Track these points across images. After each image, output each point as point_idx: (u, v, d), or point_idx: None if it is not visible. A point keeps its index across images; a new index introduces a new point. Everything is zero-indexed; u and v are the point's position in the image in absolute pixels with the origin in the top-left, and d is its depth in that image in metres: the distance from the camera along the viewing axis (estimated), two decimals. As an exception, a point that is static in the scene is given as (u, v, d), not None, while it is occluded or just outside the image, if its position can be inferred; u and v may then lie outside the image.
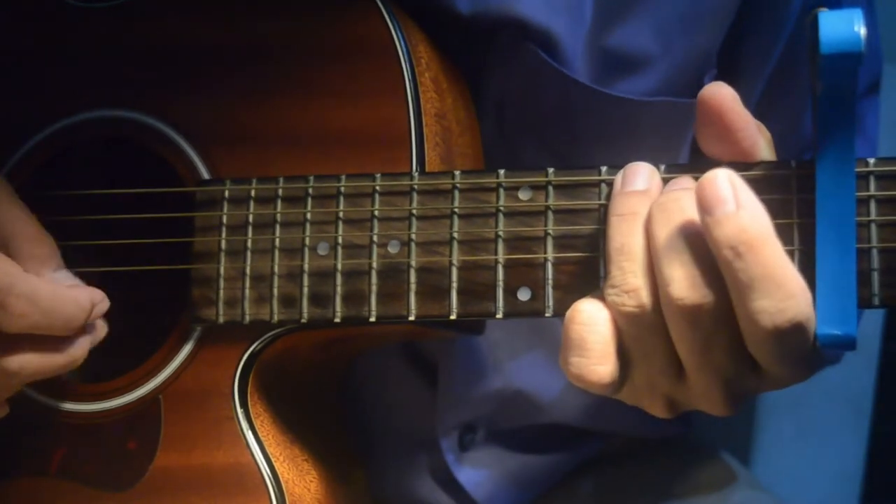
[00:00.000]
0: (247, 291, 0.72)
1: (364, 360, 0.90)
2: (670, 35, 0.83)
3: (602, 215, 0.66)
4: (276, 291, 0.71)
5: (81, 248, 0.77)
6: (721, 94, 0.61)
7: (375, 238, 0.70)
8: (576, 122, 0.83)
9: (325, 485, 0.77)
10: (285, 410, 0.76)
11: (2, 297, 0.65)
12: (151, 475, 0.74)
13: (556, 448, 0.99)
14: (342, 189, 0.71)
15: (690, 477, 1.02)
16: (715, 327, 0.60)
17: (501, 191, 0.68)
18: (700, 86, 0.84)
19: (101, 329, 0.72)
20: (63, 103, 0.78)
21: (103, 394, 0.75)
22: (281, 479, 0.72)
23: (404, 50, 0.73)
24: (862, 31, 0.56)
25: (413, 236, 0.69)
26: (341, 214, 0.71)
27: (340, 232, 0.70)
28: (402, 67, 0.72)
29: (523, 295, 0.67)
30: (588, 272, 0.66)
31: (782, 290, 0.57)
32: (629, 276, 0.61)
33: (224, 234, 0.73)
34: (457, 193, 0.69)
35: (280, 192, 0.72)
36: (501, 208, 0.68)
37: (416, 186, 0.69)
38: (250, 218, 0.72)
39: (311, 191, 0.71)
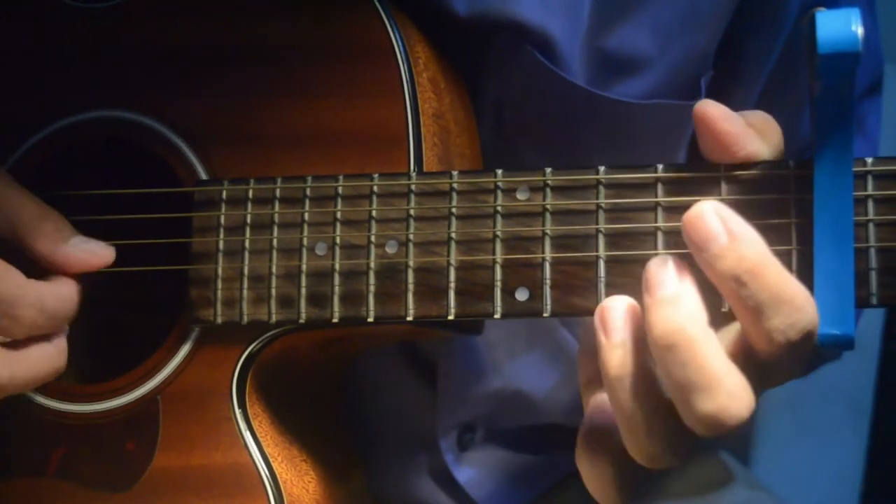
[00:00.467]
0: (245, 292, 0.72)
1: (363, 361, 0.90)
2: (668, 37, 0.83)
3: (600, 215, 0.66)
4: (273, 292, 0.71)
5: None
6: (709, 114, 0.62)
7: (373, 238, 0.70)
8: (573, 123, 0.83)
9: (324, 485, 0.77)
10: (284, 411, 0.76)
11: (12, 310, 0.66)
12: (150, 476, 0.74)
13: (554, 448, 0.99)
14: (340, 189, 0.71)
15: (689, 476, 1.02)
16: None
17: (499, 191, 0.68)
18: (697, 87, 0.85)
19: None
20: (61, 104, 0.78)
21: (102, 394, 0.75)
22: (279, 479, 0.72)
23: (402, 50, 0.73)
24: (859, 30, 0.56)
25: (411, 237, 0.69)
26: (339, 215, 0.71)
27: (338, 232, 0.70)
28: (399, 67, 0.72)
29: (521, 295, 0.67)
30: (586, 272, 0.66)
31: (790, 305, 0.57)
32: (649, 444, 0.61)
33: (222, 235, 0.73)
34: (454, 194, 0.69)
35: (278, 192, 0.72)
36: (499, 208, 0.68)
37: (413, 187, 0.69)
38: (248, 218, 0.72)
39: (308, 191, 0.71)
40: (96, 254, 0.73)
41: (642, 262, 0.65)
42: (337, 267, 0.70)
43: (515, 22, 0.78)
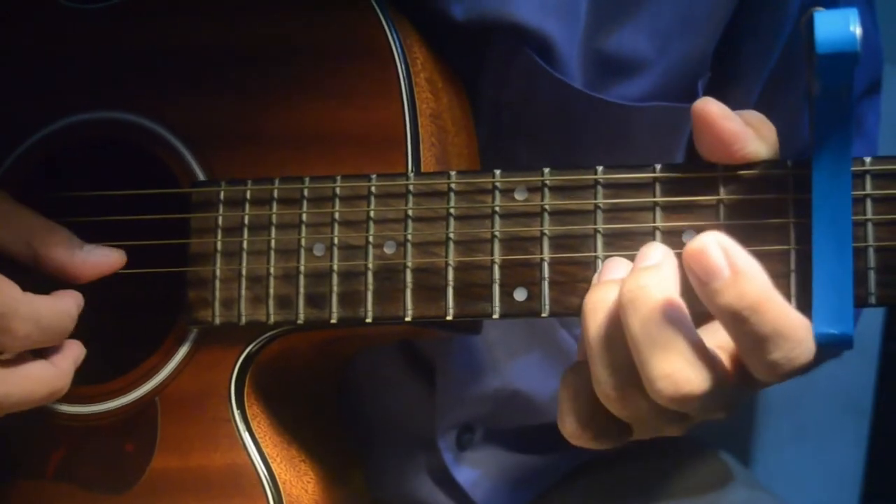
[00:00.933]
0: (243, 292, 0.72)
1: (361, 361, 0.90)
2: (666, 39, 0.83)
3: (598, 215, 0.66)
4: (272, 292, 0.71)
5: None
6: (709, 112, 0.62)
7: (371, 239, 0.70)
8: (571, 125, 0.83)
9: (323, 485, 0.77)
10: (282, 411, 0.76)
11: (6, 322, 0.66)
12: (149, 477, 0.74)
13: (553, 448, 0.99)
14: (338, 190, 0.71)
15: (688, 477, 1.02)
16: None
17: (497, 191, 0.68)
18: (695, 89, 0.85)
19: (80, 350, 0.73)
20: (59, 105, 0.78)
21: (100, 396, 0.75)
22: (278, 479, 0.72)
23: (399, 50, 0.73)
24: (857, 30, 0.56)
25: (409, 237, 0.69)
26: (337, 216, 0.70)
27: (336, 233, 0.70)
28: (397, 68, 0.72)
29: (520, 295, 0.67)
30: (584, 272, 0.66)
31: (791, 340, 0.57)
32: (627, 411, 0.61)
33: (220, 236, 0.73)
34: (452, 194, 0.69)
35: (276, 193, 0.72)
36: (497, 209, 0.68)
37: (411, 187, 0.69)
38: (246, 219, 0.72)
39: (306, 192, 0.71)
40: (109, 257, 0.74)
41: (641, 261, 0.65)
42: (335, 268, 0.70)
43: (513, 24, 0.78)
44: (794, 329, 0.57)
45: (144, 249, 0.74)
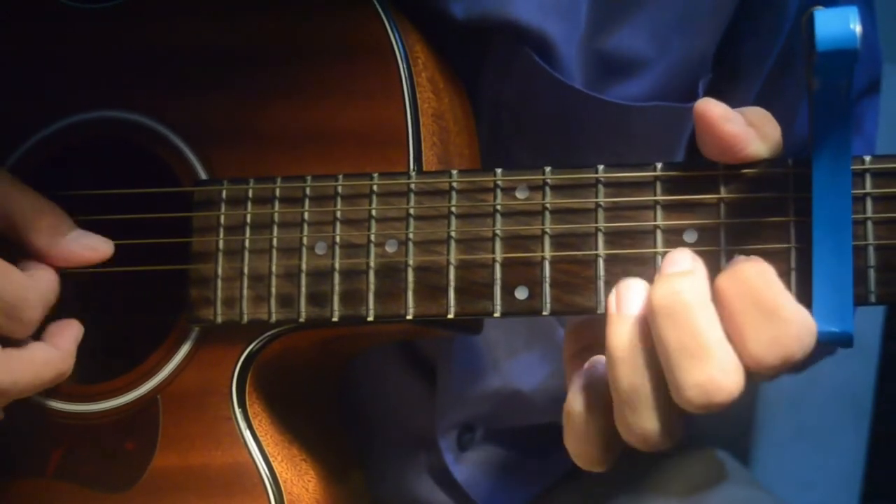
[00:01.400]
0: (245, 291, 0.72)
1: (362, 360, 0.90)
2: (666, 39, 0.83)
3: (599, 214, 0.66)
4: (273, 291, 0.71)
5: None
6: (711, 113, 0.62)
7: (373, 238, 0.70)
8: (570, 125, 0.83)
9: (324, 484, 0.77)
10: (283, 410, 0.76)
11: (18, 312, 0.66)
12: (150, 476, 0.74)
13: (553, 448, 0.99)
14: (340, 189, 0.71)
15: (687, 476, 1.02)
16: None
17: (499, 190, 0.68)
18: (695, 90, 0.85)
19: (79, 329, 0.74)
20: (61, 104, 0.78)
21: (101, 394, 0.75)
22: (279, 478, 0.72)
23: (401, 50, 0.73)
24: (857, 28, 0.56)
25: (411, 236, 0.69)
26: (339, 214, 0.71)
27: (338, 232, 0.70)
28: (399, 67, 0.72)
29: (521, 294, 0.67)
30: (585, 271, 0.66)
31: (783, 321, 0.58)
32: (643, 421, 0.60)
33: (222, 235, 0.73)
34: (454, 193, 0.69)
35: (277, 192, 0.72)
36: (499, 207, 0.68)
37: (413, 186, 0.70)
38: (248, 218, 0.72)
39: (308, 191, 0.71)
40: (95, 248, 0.73)
41: (641, 260, 0.65)
42: (337, 266, 0.70)
43: (513, 24, 0.78)
44: (777, 309, 0.58)
45: (146, 248, 0.74)
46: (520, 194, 0.68)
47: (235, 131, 0.75)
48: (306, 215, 0.71)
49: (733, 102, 0.63)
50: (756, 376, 0.60)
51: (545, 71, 0.79)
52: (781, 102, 0.88)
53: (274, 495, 0.71)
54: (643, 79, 0.84)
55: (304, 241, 0.71)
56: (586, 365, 0.65)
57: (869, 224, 0.62)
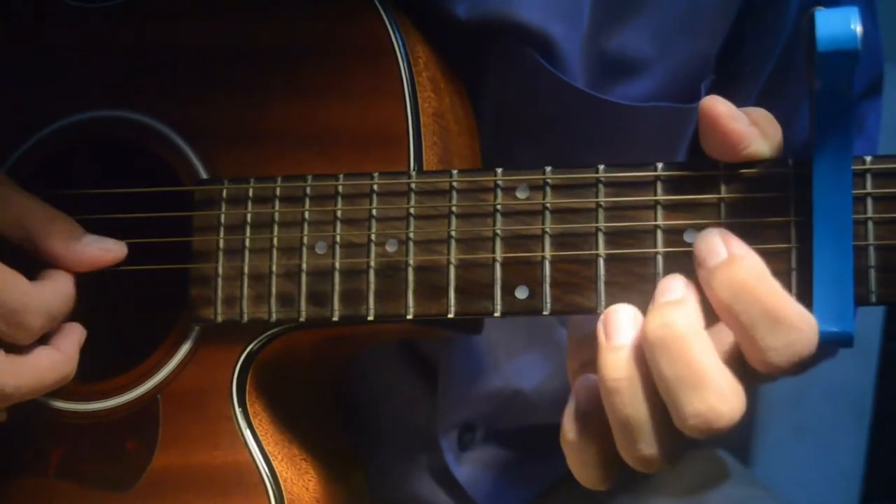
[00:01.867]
0: (245, 290, 0.72)
1: (363, 360, 0.90)
2: (668, 40, 0.83)
3: (599, 214, 0.66)
4: (274, 290, 0.71)
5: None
6: (717, 111, 0.62)
7: (373, 237, 0.70)
8: (572, 125, 0.83)
9: (324, 484, 0.77)
10: (284, 410, 0.76)
11: (21, 318, 0.66)
12: (150, 475, 0.74)
13: (554, 448, 0.98)
14: (340, 188, 0.71)
15: (687, 475, 1.02)
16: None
17: (499, 190, 0.68)
18: (697, 91, 0.85)
19: (81, 332, 0.74)
20: (62, 103, 0.78)
21: (102, 393, 0.75)
22: (279, 477, 0.72)
23: (402, 50, 0.73)
24: (858, 28, 0.56)
25: (411, 235, 0.69)
26: (339, 214, 0.71)
27: (338, 231, 0.70)
28: (399, 67, 0.72)
29: (521, 293, 0.67)
30: (586, 270, 0.66)
31: (785, 324, 0.58)
32: (644, 448, 0.61)
33: (222, 234, 0.73)
34: (454, 192, 0.69)
35: (278, 191, 0.72)
36: (499, 207, 0.68)
37: (413, 186, 0.70)
38: (248, 217, 0.72)
39: (309, 190, 0.71)
40: (110, 250, 0.73)
41: (642, 260, 0.65)
42: (337, 265, 0.70)
43: (516, 24, 0.78)
44: (787, 313, 0.58)
45: (147, 247, 0.74)
46: (520, 194, 0.68)
47: (236, 131, 0.75)
48: (307, 214, 0.71)
49: (735, 104, 0.63)
50: (763, 379, 0.60)
51: (548, 71, 0.79)
52: (781, 104, 0.88)
53: (274, 494, 0.71)
54: (645, 80, 0.84)
55: (305, 240, 0.71)
56: (577, 387, 0.65)
57: (870, 224, 0.62)
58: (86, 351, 0.74)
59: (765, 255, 0.61)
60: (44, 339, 0.70)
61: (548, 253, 0.67)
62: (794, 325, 0.58)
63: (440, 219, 0.69)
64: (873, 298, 0.62)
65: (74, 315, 0.73)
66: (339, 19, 0.74)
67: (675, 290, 0.62)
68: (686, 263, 0.63)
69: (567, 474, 1.03)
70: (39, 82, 0.80)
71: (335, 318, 0.70)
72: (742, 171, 0.64)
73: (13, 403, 0.69)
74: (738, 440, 1.61)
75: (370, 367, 0.92)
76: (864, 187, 0.62)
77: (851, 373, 1.64)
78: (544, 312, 0.67)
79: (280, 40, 0.75)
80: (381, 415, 0.95)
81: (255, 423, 0.73)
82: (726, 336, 0.60)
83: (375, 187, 0.70)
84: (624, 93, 0.83)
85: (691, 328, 0.59)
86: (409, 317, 0.69)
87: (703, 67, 0.85)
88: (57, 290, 0.70)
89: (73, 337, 0.72)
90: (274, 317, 0.71)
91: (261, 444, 0.73)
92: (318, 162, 0.73)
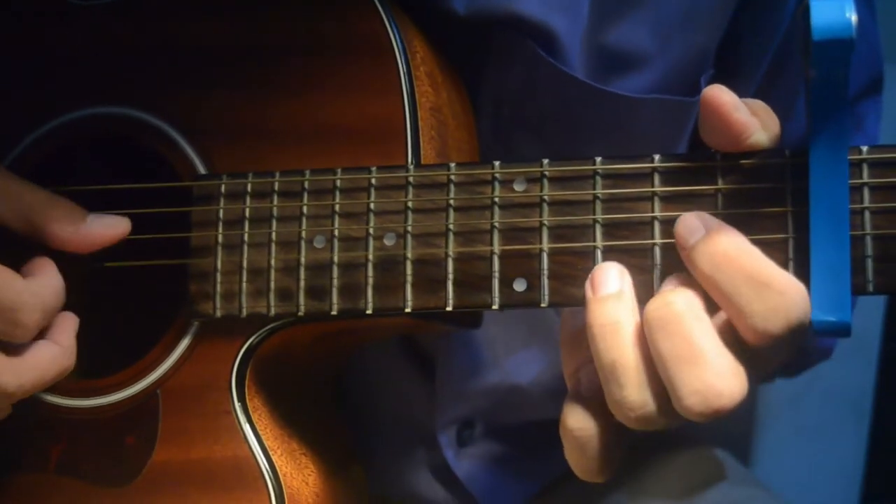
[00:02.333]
0: (244, 285, 0.72)
1: (362, 355, 0.90)
2: (668, 34, 0.83)
3: (597, 206, 0.66)
4: (273, 285, 0.71)
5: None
6: (721, 100, 0.62)
7: (372, 231, 0.70)
8: (572, 118, 0.83)
9: (323, 478, 0.77)
10: (283, 404, 0.76)
11: (16, 315, 0.66)
12: (150, 470, 0.74)
13: (553, 443, 0.98)
14: (338, 183, 0.71)
15: (687, 474, 1.02)
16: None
17: (497, 182, 0.68)
18: (697, 84, 0.85)
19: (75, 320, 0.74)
20: (61, 100, 0.78)
21: (101, 389, 0.76)
22: (279, 472, 0.72)
23: (399, 44, 0.73)
24: (853, 17, 0.56)
25: (409, 228, 0.69)
26: (337, 208, 0.71)
27: (337, 225, 0.71)
28: (397, 62, 0.73)
29: (519, 286, 0.67)
30: (583, 262, 0.66)
31: (770, 289, 0.58)
32: (631, 393, 0.61)
33: (221, 229, 0.73)
34: (452, 186, 0.69)
35: (276, 186, 0.72)
36: (497, 200, 0.68)
37: (411, 179, 0.70)
38: (247, 212, 0.72)
39: (307, 185, 0.71)
40: (114, 226, 0.73)
41: (639, 251, 0.65)
42: (335, 259, 0.70)
43: (516, 16, 0.78)
44: (770, 278, 0.59)
45: (146, 243, 0.74)
46: (518, 187, 0.68)
47: (234, 126, 0.75)
48: (305, 209, 0.71)
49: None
50: (761, 360, 0.60)
51: (548, 63, 0.79)
52: (778, 97, 0.89)
53: (274, 489, 0.71)
54: (645, 74, 0.84)
55: (303, 234, 0.71)
56: (575, 374, 0.66)
57: (866, 213, 0.62)
58: (85, 347, 0.74)
59: (762, 245, 0.61)
60: (40, 333, 0.70)
61: (546, 245, 0.67)
62: (777, 287, 0.58)
63: (438, 212, 0.69)
64: (870, 288, 0.62)
65: (73, 312, 0.74)
66: (336, 15, 0.75)
67: (674, 281, 0.63)
68: (684, 254, 0.63)
69: (567, 471, 1.03)
70: (38, 79, 0.80)
71: (334, 312, 0.70)
72: (739, 161, 0.64)
73: (16, 400, 0.69)
74: (737, 440, 1.61)
75: (369, 363, 0.92)
76: (861, 177, 0.62)
77: (851, 373, 1.64)
78: (542, 305, 0.67)
79: (278, 36, 0.75)
80: (380, 411, 0.95)
81: (254, 417, 0.73)
82: (725, 322, 0.61)
83: (373, 181, 0.70)
84: (624, 87, 0.83)
85: (691, 308, 0.60)
86: (408, 310, 0.69)
87: (702, 61, 0.85)
88: (48, 284, 0.70)
89: (69, 327, 0.72)
90: (273, 311, 0.71)
91: (260, 439, 0.73)
92: (316, 157, 0.73)
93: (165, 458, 0.74)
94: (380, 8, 0.74)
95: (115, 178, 0.77)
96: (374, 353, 0.91)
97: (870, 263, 0.62)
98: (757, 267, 0.59)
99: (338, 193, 0.71)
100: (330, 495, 0.78)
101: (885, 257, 0.62)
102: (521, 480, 0.99)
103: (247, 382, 0.73)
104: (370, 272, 0.70)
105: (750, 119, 0.62)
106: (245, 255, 0.72)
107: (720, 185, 0.64)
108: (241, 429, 0.73)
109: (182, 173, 0.76)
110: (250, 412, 0.73)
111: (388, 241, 0.70)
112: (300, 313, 0.71)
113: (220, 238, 0.73)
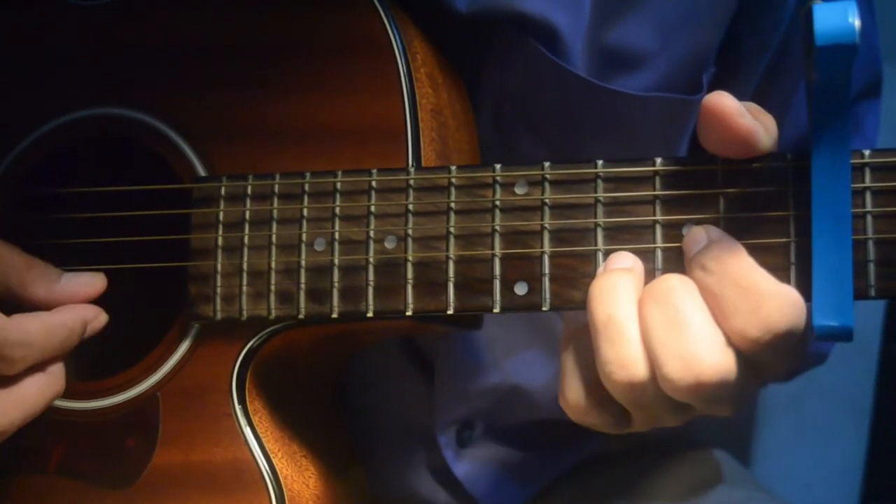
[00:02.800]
0: (244, 288, 0.72)
1: (362, 357, 0.90)
2: (669, 32, 0.83)
3: (598, 209, 0.66)
4: (273, 288, 0.71)
5: (78, 246, 0.77)
6: (724, 106, 0.61)
7: (372, 233, 0.70)
8: (574, 116, 0.83)
9: (324, 481, 0.77)
10: (283, 407, 0.76)
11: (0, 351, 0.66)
12: (150, 472, 0.74)
13: (553, 444, 0.99)
14: (338, 185, 0.71)
15: (687, 475, 1.02)
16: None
17: (498, 185, 0.68)
18: (699, 83, 0.85)
19: (101, 317, 0.74)
20: (60, 101, 0.78)
21: (102, 391, 0.75)
22: (280, 475, 0.72)
23: (400, 46, 0.73)
24: (856, 22, 0.56)
25: (410, 231, 0.69)
26: (338, 210, 0.71)
27: (337, 228, 0.70)
28: (397, 63, 0.73)
29: (520, 289, 0.67)
30: (584, 266, 0.66)
31: (751, 295, 0.59)
32: (622, 349, 0.61)
33: (221, 231, 0.73)
34: (453, 188, 0.69)
35: (276, 188, 0.72)
36: (498, 203, 0.68)
37: (412, 182, 0.70)
38: (247, 214, 0.72)
39: (307, 187, 0.71)
40: (90, 284, 0.74)
41: (641, 255, 0.65)
42: (336, 262, 0.70)
43: (519, 14, 0.77)
44: (756, 282, 0.59)
45: (145, 245, 0.74)
46: (519, 190, 0.68)
47: (234, 128, 0.75)
48: (305, 212, 0.71)
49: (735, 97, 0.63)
50: (752, 363, 0.60)
51: (549, 60, 0.79)
52: (775, 98, 0.89)
53: (274, 492, 0.71)
54: (647, 72, 0.84)
55: (304, 237, 0.71)
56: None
57: (868, 218, 0.62)
58: (86, 349, 0.74)
59: (764, 249, 0.61)
60: None
61: (547, 248, 0.67)
62: (761, 291, 0.58)
63: (439, 215, 0.69)
64: (872, 292, 0.62)
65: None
66: (336, 16, 0.74)
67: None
68: (685, 258, 0.63)
69: (567, 472, 1.03)
70: (38, 80, 0.80)
71: (334, 315, 0.70)
72: (740, 165, 0.64)
73: (10, 433, 0.69)
74: (737, 440, 1.61)
75: (370, 365, 0.92)
76: (863, 181, 0.62)
77: (851, 373, 1.64)
78: (543, 308, 0.67)
79: (278, 37, 0.75)
80: (381, 412, 0.95)
81: (254, 420, 0.73)
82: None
83: (374, 184, 0.70)
84: (625, 85, 0.82)
85: (684, 285, 0.60)
86: (409, 313, 0.69)
87: (704, 60, 0.85)
88: (44, 323, 0.70)
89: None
90: (273, 314, 0.71)
91: (261, 442, 0.73)
92: (316, 158, 0.73)
93: (166, 460, 0.73)
94: (380, 9, 0.73)
95: (115, 179, 0.76)
96: (374, 354, 0.91)
97: (872, 268, 0.62)
98: (744, 271, 0.59)
99: (338, 196, 0.71)
100: (330, 497, 0.77)
101: (888, 261, 0.62)
102: (520, 481, 0.98)
103: (247, 385, 0.73)
104: (371, 275, 0.70)
105: (754, 124, 0.62)
106: (245, 258, 0.72)
107: (722, 188, 0.64)
108: (242, 431, 0.73)
109: (181, 174, 0.75)
110: (251, 415, 0.73)
111: (389, 244, 0.70)
112: (301, 316, 0.71)
113: (220, 240, 0.73)
